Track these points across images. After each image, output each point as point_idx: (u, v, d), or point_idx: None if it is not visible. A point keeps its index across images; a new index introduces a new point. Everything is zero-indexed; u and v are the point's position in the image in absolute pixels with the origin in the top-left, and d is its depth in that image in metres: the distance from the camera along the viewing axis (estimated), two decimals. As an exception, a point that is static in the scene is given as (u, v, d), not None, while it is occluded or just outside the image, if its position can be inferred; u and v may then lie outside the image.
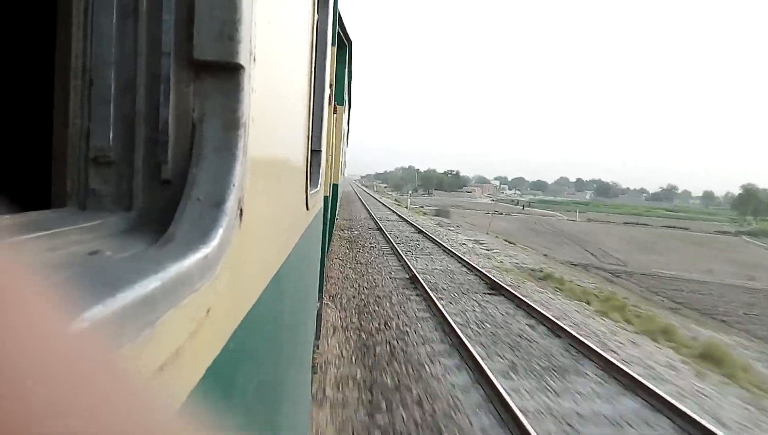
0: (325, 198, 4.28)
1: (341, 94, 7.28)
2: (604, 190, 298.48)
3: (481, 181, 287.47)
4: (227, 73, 0.62)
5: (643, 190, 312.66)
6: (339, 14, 5.02)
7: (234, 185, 0.60)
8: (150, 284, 0.39)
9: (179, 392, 0.47)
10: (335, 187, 8.04)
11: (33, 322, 0.20)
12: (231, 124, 0.62)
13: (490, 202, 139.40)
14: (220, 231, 0.55)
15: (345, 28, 7.21)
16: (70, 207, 0.61)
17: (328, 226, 6.33)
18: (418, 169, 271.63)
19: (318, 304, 4.63)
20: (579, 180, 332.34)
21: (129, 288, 0.36)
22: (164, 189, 0.61)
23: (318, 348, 6.24)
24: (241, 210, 0.63)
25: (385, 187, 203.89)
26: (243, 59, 0.62)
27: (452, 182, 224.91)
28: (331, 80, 3.87)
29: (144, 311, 0.37)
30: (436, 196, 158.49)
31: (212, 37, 0.60)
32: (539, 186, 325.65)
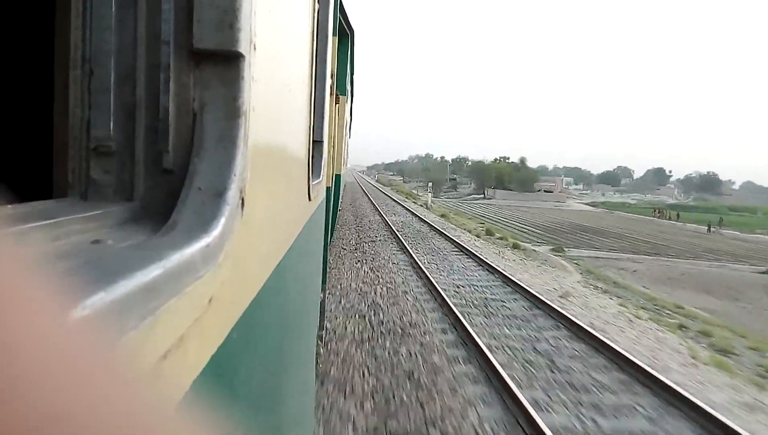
0: (328, 189, 4.28)
1: (343, 84, 7.24)
2: (707, 184, 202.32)
3: (542, 173, 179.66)
4: (227, 62, 0.62)
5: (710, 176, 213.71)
6: (340, 2, 4.98)
7: (235, 175, 0.60)
8: (152, 272, 0.39)
9: (183, 380, 0.47)
10: (338, 177, 8.03)
11: (36, 311, 0.20)
12: (232, 113, 0.62)
13: (589, 208, 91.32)
14: (222, 220, 0.55)
15: (347, 16, 7.16)
16: (71, 197, 0.61)
17: (330, 217, 6.33)
18: (442, 158, 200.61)
19: (321, 295, 4.64)
20: (659, 170, 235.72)
21: (131, 276, 0.36)
22: (165, 178, 0.61)
23: (322, 339, 6.27)
24: (242, 200, 0.63)
25: (404, 181, 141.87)
26: (243, 48, 0.61)
27: (522, 177, 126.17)
28: (332, 70, 3.85)
29: (147, 298, 0.38)
30: (500, 200, 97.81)
31: (212, 26, 0.60)
32: (607, 179, 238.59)
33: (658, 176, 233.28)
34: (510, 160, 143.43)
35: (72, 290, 0.30)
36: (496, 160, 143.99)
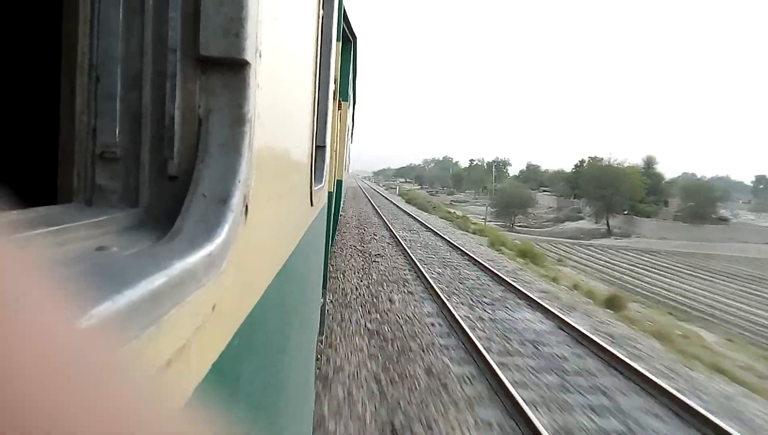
0: (329, 194, 4.29)
1: (346, 90, 7.26)
2: None
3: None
4: (233, 69, 0.62)
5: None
6: (344, 9, 5.01)
7: (239, 182, 0.60)
8: (156, 280, 0.39)
9: (185, 387, 0.47)
10: (339, 183, 8.06)
11: (40, 318, 0.20)
12: (237, 120, 0.62)
13: None
14: (226, 227, 0.55)
15: (350, 23, 7.19)
16: (76, 203, 0.61)
17: (331, 223, 6.34)
18: (472, 162, 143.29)
19: (322, 300, 4.64)
20: (761, 178, 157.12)
21: (135, 284, 0.37)
22: (170, 185, 0.61)
23: (322, 344, 6.27)
24: (246, 206, 0.63)
25: (431, 193, 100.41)
26: (249, 55, 0.62)
27: (693, 190, 65.43)
28: (335, 76, 3.86)
29: (150, 307, 0.38)
30: (656, 240, 52.37)
31: (218, 34, 0.60)
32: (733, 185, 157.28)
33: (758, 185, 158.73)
34: (603, 161, 73.87)
35: (77, 298, 0.30)
36: (582, 162, 77.70)
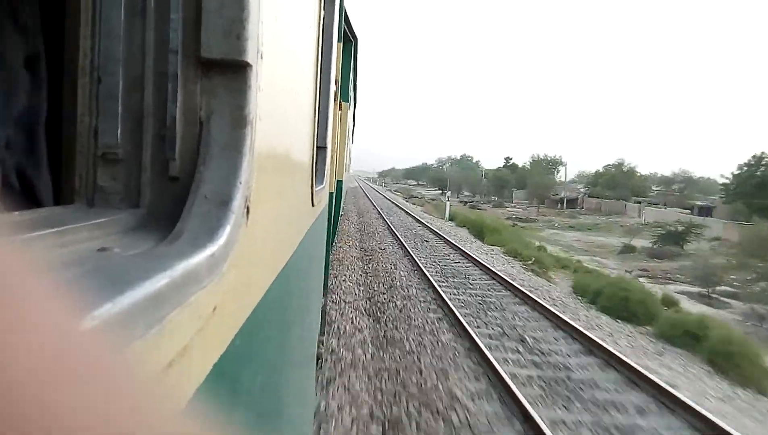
0: (330, 194, 4.29)
1: (346, 91, 7.27)
2: None
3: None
4: (235, 70, 0.62)
5: None
6: (345, 10, 5.01)
7: (241, 183, 0.60)
8: (158, 282, 0.39)
9: (187, 389, 0.47)
10: (339, 183, 8.08)
11: (42, 320, 0.20)
12: (238, 121, 0.62)
13: None
14: (227, 229, 0.55)
15: (350, 24, 7.19)
16: (78, 204, 0.61)
17: (332, 223, 6.34)
18: (512, 160, 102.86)
19: (323, 300, 4.64)
20: None
21: (137, 286, 0.37)
22: (172, 186, 0.61)
23: (323, 344, 6.29)
24: (247, 208, 0.63)
25: (470, 204, 56.55)
26: (250, 57, 0.62)
27: None
28: (336, 77, 3.87)
29: (152, 309, 0.38)
30: None
31: (220, 35, 0.60)
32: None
33: None
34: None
35: (79, 299, 0.30)
36: (762, 158, 50.21)
